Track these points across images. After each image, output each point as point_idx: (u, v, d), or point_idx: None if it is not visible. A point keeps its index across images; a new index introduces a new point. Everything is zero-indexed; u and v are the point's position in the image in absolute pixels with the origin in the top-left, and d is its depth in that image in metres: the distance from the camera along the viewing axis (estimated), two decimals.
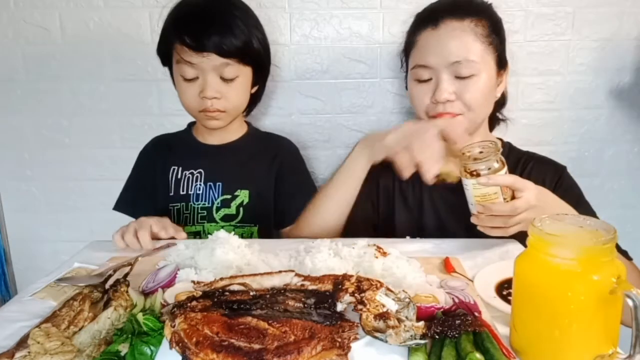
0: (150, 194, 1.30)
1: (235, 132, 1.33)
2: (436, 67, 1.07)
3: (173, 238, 1.05)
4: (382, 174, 1.20)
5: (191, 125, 1.37)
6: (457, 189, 1.12)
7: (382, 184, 1.24)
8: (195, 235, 1.26)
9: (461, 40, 1.06)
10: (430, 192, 1.20)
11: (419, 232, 1.19)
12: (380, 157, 1.07)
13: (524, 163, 1.19)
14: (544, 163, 1.21)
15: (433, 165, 0.98)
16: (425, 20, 1.12)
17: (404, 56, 1.21)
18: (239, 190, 1.27)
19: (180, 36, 1.14)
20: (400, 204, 1.23)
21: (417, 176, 1.08)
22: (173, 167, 1.30)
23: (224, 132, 1.30)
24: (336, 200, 1.14)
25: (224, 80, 1.17)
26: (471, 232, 0.98)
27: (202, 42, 1.12)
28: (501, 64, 1.13)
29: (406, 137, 1.02)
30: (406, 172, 1.01)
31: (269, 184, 1.30)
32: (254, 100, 1.33)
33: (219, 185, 1.27)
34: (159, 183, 1.30)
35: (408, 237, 1.15)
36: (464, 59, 1.05)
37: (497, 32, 1.11)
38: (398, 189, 1.23)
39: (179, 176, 1.29)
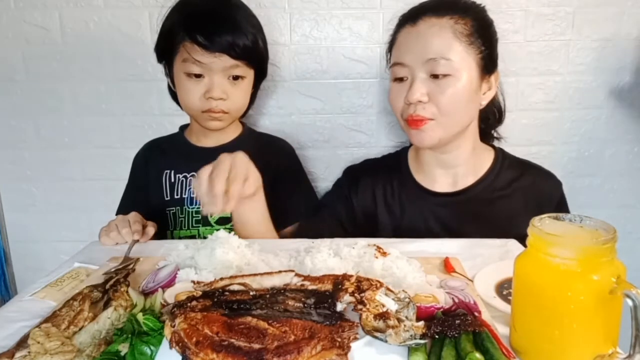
0: (147, 199, 1.30)
1: (230, 133, 1.31)
2: (411, 65, 1.04)
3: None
4: (359, 188, 1.21)
5: (183, 128, 1.36)
6: (444, 204, 1.13)
7: (360, 196, 1.23)
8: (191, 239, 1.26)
9: (438, 37, 1.02)
10: (415, 202, 1.18)
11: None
12: None
13: (522, 171, 1.17)
14: (548, 176, 1.19)
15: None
16: (406, 18, 1.09)
17: (388, 56, 1.17)
18: None
19: (192, 34, 1.12)
20: (384, 215, 1.20)
21: (398, 185, 1.09)
22: (166, 170, 1.29)
23: (219, 134, 1.29)
24: None
25: (231, 81, 1.17)
26: None
27: (214, 41, 1.11)
28: (487, 68, 1.06)
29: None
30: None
31: (264, 185, 1.29)
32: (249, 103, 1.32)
33: None
34: (153, 187, 1.29)
35: None
36: (439, 57, 1.01)
37: (482, 33, 1.05)
38: (382, 201, 1.21)
39: (173, 180, 1.28)
